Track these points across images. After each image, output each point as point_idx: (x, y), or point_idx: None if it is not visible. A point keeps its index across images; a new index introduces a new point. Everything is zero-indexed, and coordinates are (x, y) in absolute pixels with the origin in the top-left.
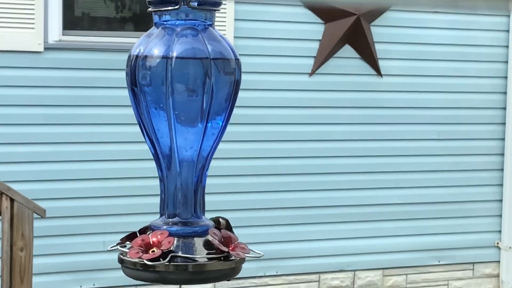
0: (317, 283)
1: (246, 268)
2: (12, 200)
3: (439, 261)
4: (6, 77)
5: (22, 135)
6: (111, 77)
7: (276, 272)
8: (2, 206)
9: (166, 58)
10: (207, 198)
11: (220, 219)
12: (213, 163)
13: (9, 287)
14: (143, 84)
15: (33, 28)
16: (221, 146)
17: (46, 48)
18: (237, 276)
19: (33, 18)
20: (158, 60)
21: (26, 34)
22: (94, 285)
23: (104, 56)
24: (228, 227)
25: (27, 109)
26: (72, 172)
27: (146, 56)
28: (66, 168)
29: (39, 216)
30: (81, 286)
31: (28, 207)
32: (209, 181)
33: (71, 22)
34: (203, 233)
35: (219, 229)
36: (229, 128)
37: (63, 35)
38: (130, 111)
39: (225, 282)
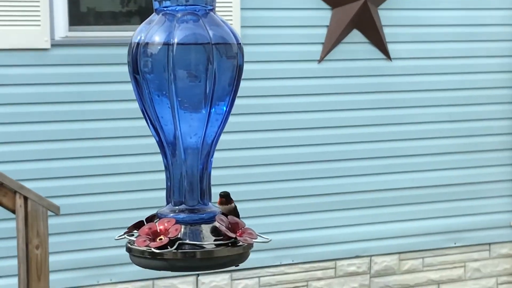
0: (333, 270)
1: (262, 257)
2: (25, 198)
3: (455, 243)
4: (14, 75)
5: (32, 133)
6: (120, 71)
7: (292, 261)
8: (16, 205)
9: (167, 44)
10: (219, 189)
11: (221, 193)
12: (224, 154)
13: (26, 286)
14: (145, 72)
15: (39, 25)
16: (231, 136)
17: (53, 45)
18: (253, 266)
19: (39, 15)
20: (159, 47)
21: (32, 32)
22: (111, 280)
23: (112, 50)
24: (236, 213)
25: (36, 107)
26: (84, 169)
27: (147, 43)
28: (78, 165)
29: (53, 214)
30: (98, 282)
31: (42, 204)
32: (220, 172)
33: (77, 17)
34: (210, 219)
35: (226, 215)
36: (239, 118)
37: (69, 31)
38: None
39: (236, 268)
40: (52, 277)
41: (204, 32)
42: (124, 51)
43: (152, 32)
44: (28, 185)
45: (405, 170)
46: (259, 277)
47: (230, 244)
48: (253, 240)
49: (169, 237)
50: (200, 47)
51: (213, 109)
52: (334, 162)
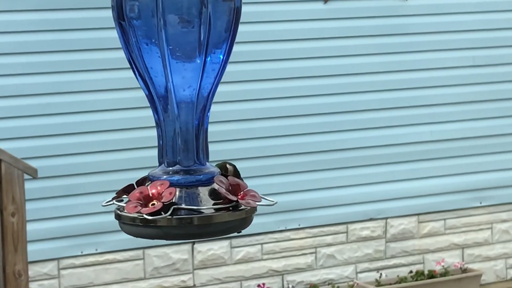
0: (345, 235)
1: (265, 222)
2: None
3: (480, 203)
4: None
5: (4, 88)
6: (103, 16)
7: (299, 225)
8: None
9: None
10: (216, 146)
11: (227, 165)
12: (221, 107)
13: (1, 257)
14: (132, 17)
15: None
16: (229, 87)
17: None
18: (255, 232)
19: None
20: None
21: None
22: (96, 250)
23: None
24: (236, 173)
25: (10, 59)
26: (63, 126)
27: None
28: (56, 122)
29: (30, 177)
30: (82, 252)
31: (17, 167)
32: (217, 127)
33: None
34: (208, 181)
35: (226, 176)
36: (237, 67)
37: None
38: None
39: (237, 235)
40: (30, 247)
41: None
42: None
43: None
44: (1, 145)
45: (422, 121)
46: (261, 243)
47: (231, 208)
48: (257, 203)
49: (162, 202)
50: None
51: (208, 58)
52: (344, 114)
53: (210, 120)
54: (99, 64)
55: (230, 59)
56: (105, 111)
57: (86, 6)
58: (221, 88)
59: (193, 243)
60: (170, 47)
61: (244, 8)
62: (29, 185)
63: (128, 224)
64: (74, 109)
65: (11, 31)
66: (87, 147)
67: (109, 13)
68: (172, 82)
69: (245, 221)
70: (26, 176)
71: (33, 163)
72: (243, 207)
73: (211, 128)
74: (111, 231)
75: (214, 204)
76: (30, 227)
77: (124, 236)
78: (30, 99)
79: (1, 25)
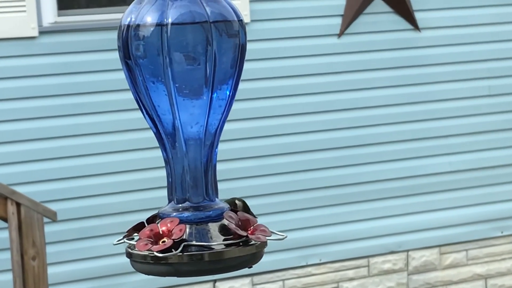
0: (366, 268)
1: (286, 258)
2: (18, 205)
3: (502, 232)
4: None
5: (21, 132)
6: (117, 58)
7: (320, 260)
8: (8, 212)
9: (160, 25)
10: (230, 184)
11: (236, 201)
12: (234, 144)
13: None
14: (138, 56)
15: (24, 11)
16: (242, 124)
17: (41, 32)
18: (276, 268)
19: (24, 0)
20: (152, 29)
21: (17, 19)
22: None
23: (107, 35)
24: (246, 208)
25: (24, 103)
26: (81, 168)
27: (138, 25)
28: (74, 164)
29: (49, 220)
30: None
31: (37, 210)
32: (230, 165)
33: (66, 0)
34: (218, 217)
35: (236, 212)
36: (250, 104)
37: (58, 16)
38: None
39: (258, 271)
40: None
41: (200, 9)
42: None
43: (143, 13)
44: (20, 189)
45: (440, 153)
46: (283, 280)
47: (241, 244)
48: (267, 237)
49: (173, 239)
50: (197, 26)
51: (215, 94)
52: (360, 147)
53: (219, 158)
54: (116, 105)
55: (239, 96)
56: (120, 152)
57: (92, 48)
58: (229, 125)
59: (214, 281)
60: (177, 85)
61: (257, 45)
62: (49, 228)
63: (139, 262)
64: (90, 151)
65: (23, 75)
66: (104, 189)
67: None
68: (180, 119)
69: (256, 256)
70: (45, 220)
71: (52, 206)
72: (253, 242)
73: (220, 166)
74: (130, 272)
75: (224, 240)
76: (51, 270)
77: (144, 276)
78: (46, 143)
79: (16, 70)
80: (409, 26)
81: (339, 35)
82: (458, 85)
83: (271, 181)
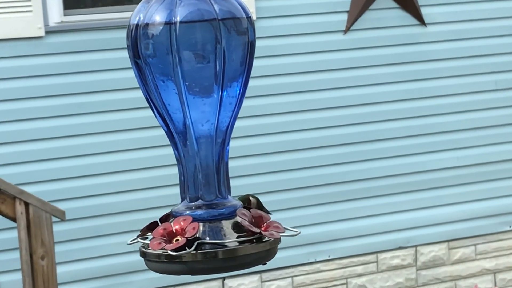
0: (375, 264)
1: (294, 255)
2: (26, 204)
3: (510, 226)
4: (4, 68)
5: (29, 132)
6: (124, 56)
7: (329, 256)
8: (16, 212)
9: (169, 24)
10: (239, 181)
11: (250, 198)
12: (242, 141)
13: None
14: (147, 55)
15: (30, 11)
16: (250, 121)
17: (47, 32)
18: (285, 265)
19: (30, 0)
20: (160, 27)
21: (23, 18)
22: None
23: (113, 34)
24: (260, 205)
25: (32, 102)
26: (89, 167)
27: (147, 24)
28: (82, 163)
29: (58, 219)
30: None
31: (45, 210)
32: (239, 162)
33: (72, 0)
34: (231, 214)
35: (249, 209)
36: (257, 101)
37: (64, 15)
38: None
39: (266, 268)
40: None
41: (209, 7)
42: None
43: (151, 11)
44: (28, 189)
45: (447, 147)
46: (292, 276)
47: (255, 241)
48: (280, 234)
49: (186, 237)
50: (206, 24)
51: (225, 92)
52: (368, 143)
53: (230, 155)
54: (122, 104)
55: (248, 93)
56: (126, 151)
57: (99, 48)
58: (240, 122)
59: (223, 278)
60: (187, 83)
61: (263, 42)
62: (57, 228)
63: (153, 261)
64: (98, 150)
65: (30, 75)
66: (113, 187)
67: (122, 54)
68: (190, 117)
69: (270, 253)
70: (54, 219)
71: (60, 205)
72: (266, 238)
73: (232, 163)
74: (140, 270)
75: (237, 237)
76: (60, 269)
77: (153, 274)
78: (54, 142)
79: (23, 69)
80: (415, 21)
81: (345, 31)
82: (464, 80)
83: (278, 178)
